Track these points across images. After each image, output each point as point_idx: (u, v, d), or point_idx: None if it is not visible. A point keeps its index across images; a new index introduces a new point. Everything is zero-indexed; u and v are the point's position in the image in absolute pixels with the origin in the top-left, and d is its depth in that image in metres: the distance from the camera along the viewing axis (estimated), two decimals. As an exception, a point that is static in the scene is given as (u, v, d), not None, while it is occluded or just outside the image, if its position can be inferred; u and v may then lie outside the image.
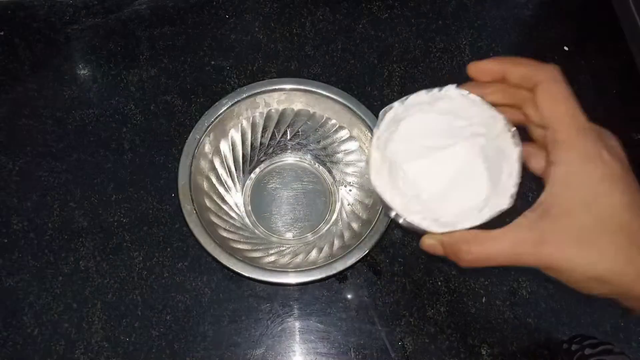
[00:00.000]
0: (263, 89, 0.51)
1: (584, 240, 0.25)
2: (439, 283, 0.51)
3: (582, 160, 0.25)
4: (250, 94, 0.50)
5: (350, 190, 0.53)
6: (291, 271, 0.44)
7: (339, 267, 0.44)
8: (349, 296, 0.50)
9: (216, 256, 0.44)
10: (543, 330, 0.50)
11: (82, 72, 0.60)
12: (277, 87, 0.51)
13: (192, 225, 0.45)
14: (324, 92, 0.50)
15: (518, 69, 0.28)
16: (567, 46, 0.64)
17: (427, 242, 0.29)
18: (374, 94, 0.59)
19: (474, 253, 0.27)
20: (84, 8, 0.63)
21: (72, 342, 0.47)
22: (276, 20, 0.64)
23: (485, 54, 0.62)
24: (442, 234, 0.28)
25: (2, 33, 0.61)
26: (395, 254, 0.52)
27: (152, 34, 0.62)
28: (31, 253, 0.51)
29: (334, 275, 0.45)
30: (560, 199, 0.25)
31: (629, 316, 0.50)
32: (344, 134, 0.53)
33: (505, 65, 0.28)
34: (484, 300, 0.51)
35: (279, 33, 0.63)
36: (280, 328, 0.49)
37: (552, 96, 0.27)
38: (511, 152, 0.28)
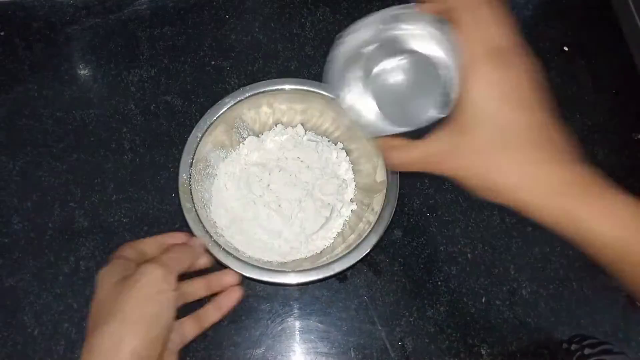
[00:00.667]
0: (266, 89, 0.51)
1: (482, 153, 0.28)
2: (439, 283, 0.51)
3: (478, 82, 0.27)
4: (253, 93, 0.51)
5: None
6: (291, 271, 0.44)
7: (339, 267, 0.44)
8: (349, 296, 0.50)
9: (214, 253, 0.44)
10: (543, 330, 0.50)
11: (82, 72, 0.60)
12: (280, 87, 0.51)
13: (191, 224, 0.45)
14: (326, 93, 0.51)
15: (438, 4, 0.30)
16: (567, 46, 0.64)
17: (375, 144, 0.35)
18: (374, 94, 0.59)
19: (395, 158, 0.33)
20: (84, 8, 0.63)
21: (72, 342, 0.47)
22: (276, 20, 0.64)
23: (485, 54, 0.62)
24: (378, 137, 0.34)
25: (2, 33, 0.61)
26: (395, 254, 0.52)
27: (152, 34, 0.62)
28: (31, 253, 0.51)
29: (334, 276, 0.45)
30: (461, 118, 0.28)
31: (629, 316, 0.50)
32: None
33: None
34: (484, 300, 0.51)
35: (279, 33, 0.63)
36: (280, 328, 0.49)
37: (461, 26, 0.29)
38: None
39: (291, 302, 0.50)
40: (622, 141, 0.58)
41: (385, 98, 0.33)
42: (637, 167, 0.56)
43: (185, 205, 0.46)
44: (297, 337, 0.49)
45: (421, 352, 0.48)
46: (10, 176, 0.54)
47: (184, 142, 0.49)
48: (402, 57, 0.32)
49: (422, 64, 0.32)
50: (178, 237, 0.44)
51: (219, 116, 0.49)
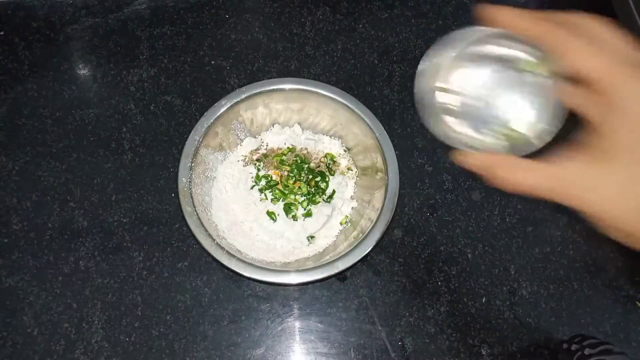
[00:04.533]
0: (262, 89, 0.51)
1: (629, 190, 0.23)
2: (439, 283, 0.51)
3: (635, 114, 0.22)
4: (249, 94, 0.50)
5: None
6: (291, 271, 0.44)
7: (339, 266, 0.44)
8: (349, 296, 0.50)
9: (217, 256, 0.44)
10: (543, 330, 0.50)
11: (82, 72, 0.60)
12: (276, 87, 0.51)
13: (193, 227, 0.45)
14: (323, 92, 0.51)
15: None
16: (567, 46, 0.64)
17: (460, 159, 0.28)
18: (374, 94, 0.59)
19: (511, 180, 0.26)
20: (84, 8, 0.63)
21: (72, 342, 0.47)
22: (276, 20, 0.64)
23: (485, 54, 0.62)
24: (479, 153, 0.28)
25: (2, 33, 0.61)
26: (395, 254, 0.52)
27: (152, 34, 0.62)
28: (31, 253, 0.51)
29: (334, 275, 0.45)
30: (619, 142, 0.23)
31: (629, 316, 0.50)
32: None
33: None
34: (484, 300, 0.51)
35: (279, 33, 0.63)
36: (280, 328, 0.49)
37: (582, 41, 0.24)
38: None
39: (291, 302, 0.50)
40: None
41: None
42: None
43: (186, 209, 0.46)
44: (297, 337, 0.49)
45: (421, 352, 0.48)
46: (9, 176, 0.54)
47: (183, 142, 0.49)
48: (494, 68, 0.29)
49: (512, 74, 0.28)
50: None
51: (216, 118, 0.49)
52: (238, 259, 0.44)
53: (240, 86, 0.51)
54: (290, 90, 0.51)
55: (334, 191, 0.53)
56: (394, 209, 0.47)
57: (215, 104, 0.50)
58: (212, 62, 0.61)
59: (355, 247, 0.45)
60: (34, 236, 0.51)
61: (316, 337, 0.49)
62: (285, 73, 0.60)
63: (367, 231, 0.46)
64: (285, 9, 0.64)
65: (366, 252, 0.45)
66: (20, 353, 0.47)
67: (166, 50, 0.61)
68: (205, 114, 0.50)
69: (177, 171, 0.47)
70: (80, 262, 0.50)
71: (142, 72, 0.60)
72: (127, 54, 0.61)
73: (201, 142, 0.49)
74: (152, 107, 0.58)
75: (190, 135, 0.49)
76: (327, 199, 0.52)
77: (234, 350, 0.48)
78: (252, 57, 0.61)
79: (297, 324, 0.49)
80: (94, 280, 0.50)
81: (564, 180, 0.25)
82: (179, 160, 0.48)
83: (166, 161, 0.55)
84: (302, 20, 0.64)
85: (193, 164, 0.48)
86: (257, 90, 0.51)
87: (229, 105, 0.50)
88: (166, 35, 0.62)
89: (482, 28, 0.29)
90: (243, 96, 0.50)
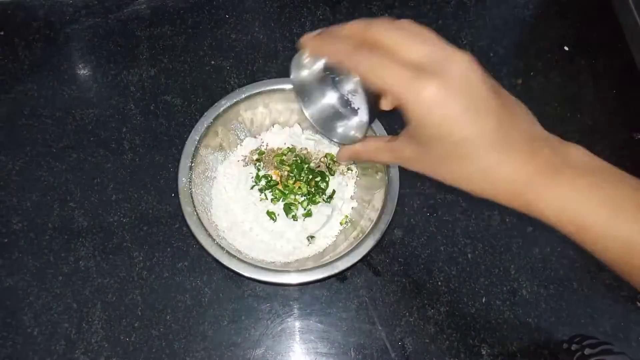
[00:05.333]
0: (262, 89, 0.51)
1: (442, 166, 0.30)
2: (439, 283, 0.51)
3: (422, 105, 0.28)
4: (249, 94, 0.50)
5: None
6: (292, 271, 0.44)
7: (340, 266, 0.44)
8: (349, 296, 0.50)
9: (217, 256, 0.44)
10: (543, 330, 0.50)
11: (82, 71, 0.60)
12: (276, 87, 0.51)
13: (193, 227, 0.45)
14: None
15: (355, 34, 0.31)
16: (567, 46, 0.64)
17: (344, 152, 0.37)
18: (374, 93, 0.59)
19: (361, 149, 0.35)
20: (84, 8, 0.63)
21: (72, 342, 0.47)
22: (276, 21, 0.64)
23: (485, 53, 0.62)
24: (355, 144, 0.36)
25: (2, 33, 0.61)
26: (395, 254, 0.52)
27: (152, 34, 0.62)
28: (31, 253, 0.51)
29: (334, 275, 0.45)
30: (416, 134, 0.30)
31: (629, 316, 0.50)
32: None
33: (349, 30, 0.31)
34: (484, 300, 0.51)
35: (279, 33, 0.63)
36: (280, 328, 0.49)
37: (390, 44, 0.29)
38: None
39: (291, 302, 0.50)
40: (622, 141, 0.58)
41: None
42: (637, 167, 0.56)
43: (186, 209, 0.46)
44: (297, 337, 0.49)
45: (421, 352, 0.48)
46: (9, 176, 0.54)
47: (183, 142, 0.49)
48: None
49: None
50: None
51: (215, 118, 0.49)
52: (238, 259, 0.44)
53: (240, 86, 0.51)
54: (290, 90, 0.51)
55: (334, 191, 0.53)
56: (394, 209, 0.47)
57: (215, 104, 0.50)
58: (212, 62, 0.61)
59: (355, 247, 0.45)
60: (34, 236, 0.51)
61: (316, 337, 0.49)
62: (286, 73, 0.60)
63: (367, 231, 0.46)
64: (285, 9, 0.64)
65: (366, 252, 0.45)
66: (20, 353, 0.47)
67: (166, 50, 0.61)
68: (205, 113, 0.50)
69: (177, 171, 0.47)
70: (80, 262, 0.50)
71: (142, 72, 0.60)
72: (127, 54, 0.61)
73: (201, 142, 0.49)
74: (152, 107, 0.58)
75: (190, 135, 0.49)
76: (327, 199, 0.52)
77: (234, 350, 0.48)
78: (252, 57, 0.61)
79: (297, 324, 0.49)
80: (94, 280, 0.50)
81: (405, 158, 0.32)
82: (179, 160, 0.48)
83: (166, 161, 0.55)
84: (302, 20, 0.64)
85: (193, 164, 0.48)
86: (257, 90, 0.51)
87: (228, 105, 0.50)
88: (166, 35, 0.62)
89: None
90: (243, 96, 0.50)
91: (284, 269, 0.45)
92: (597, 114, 0.60)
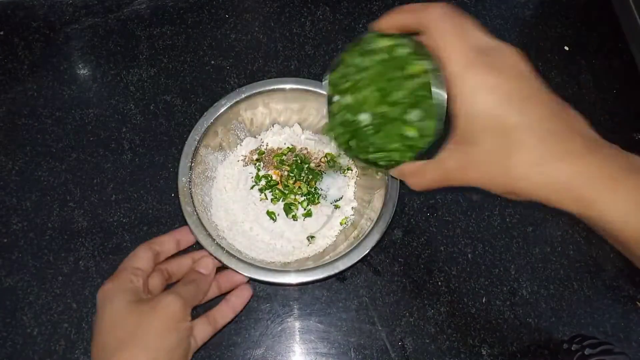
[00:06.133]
0: (262, 89, 0.51)
1: (493, 163, 0.28)
2: (439, 283, 0.51)
3: (473, 92, 0.27)
4: (249, 94, 0.50)
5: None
6: (292, 271, 0.44)
7: (340, 266, 0.44)
8: (349, 296, 0.50)
9: (217, 256, 0.44)
10: (543, 330, 0.50)
11: (82, 71, 0.60)
12: (276, 87, 0.51)
13: (193, 227, 0.45)
14: (323, 92, 0.50)
15: (405, 17, 0.30)
16: (567, 46, 0.64)
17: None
18: (374, 93, 0.59)
19: (416, 185, 0.33)
20: (84, 7, 0.63)
21: (72, 342, 0.47)
22: (276, 20, 0.64)
23: (485, 53, 0.62)
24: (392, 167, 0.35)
25: (1, 33, 0.61)
26: (395, 254, 0.52)
27: (152, 34, 0.62)
28: (31, 253, 0.51)
29: (334, 275, 0.45)
30: (465, 131, 0.28)
31: (629, 316, 0.50)
32: None
33: (397, 17, 0.31)
34: (484, 300, 0.51)
35: (279, 33, 0.63)
36: (280, 328, 0.49)
37: (439, 36, 0.28)
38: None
39: (291, 302, 0.50)
40: (622, 141, 0.58)
41: None
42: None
43: (186, 209, 0.46)
44: (297, 337, 0.49)
45: (421, 352, 0.48)
46: (9, 176, 0.54)
47: (183, 142, 0.49)
48: None
49: None
50: (186, 233, 0.46)
51: (215, 118, 0.49)
52: (238, 258, 0.44)
53: (240, 86, 0.51)
54: (291, 90, 0.51)
55: (341, 197, 0.53)
56: (394, 209, 0.46)
57: (215, 103, 0.50)
58: (212, 62, 0.61)
59: (356, 247, 0.45)
60: (34, 236, 0.51)
61: (316, 337, 0.49)
62: (286, 73, 0.60)
63: (367, 231, 0.46)
64: (285, 9, 0.64)
65: (366, 252, 0.45)
66: (20, 353, 0.47)
67: (166, 50, 0.61)
68: (205, 114, 0.49)
69: (177, 171, 0.47)
70: (80, 262, 0.50)
71: (142, 72, 0.60)
72: (127, 54, 0.61)
73: (201, 142, 0.49)
74: (152, 107, 0.58)
75: (190, 135, 0.49)
76: (332, 202, 0.52)
77: (234, 350, 0.48)
78: (252, 57, 0.61)
79: (297, 324, 0.49)
80: (94, 280, 0.50)
81: (448, 170, 0.30)
82: (179, 160, 0.48)
83: (166, 161, 0.55)
84: (302, 20, 0.64)
85: (193, 164, 0.48)
86: (257, 90, 0.50)
87: (228, 105, 0.50)
88: (166, 35, 0.62)
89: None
90: (243, 96, 0.50)
91: (283, 269, 0.45)
92: (597, 114, 0.60)
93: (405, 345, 0.48)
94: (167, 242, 0.45)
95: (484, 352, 0.48)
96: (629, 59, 0.63)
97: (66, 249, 0.51)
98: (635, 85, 0.62)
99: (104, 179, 0.54)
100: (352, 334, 0.49)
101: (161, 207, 0.53)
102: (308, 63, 0.61)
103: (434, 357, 0.48)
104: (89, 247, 0.51)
